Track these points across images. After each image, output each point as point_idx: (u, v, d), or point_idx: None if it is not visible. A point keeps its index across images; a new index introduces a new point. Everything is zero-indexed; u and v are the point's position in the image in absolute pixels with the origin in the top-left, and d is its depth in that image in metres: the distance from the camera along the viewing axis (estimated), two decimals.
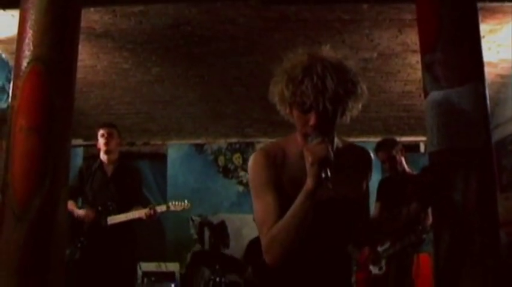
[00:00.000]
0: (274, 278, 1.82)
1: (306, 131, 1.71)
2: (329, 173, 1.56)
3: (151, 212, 4.35)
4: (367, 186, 1.95)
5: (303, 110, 1.70)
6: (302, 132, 1.74)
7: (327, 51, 1.75)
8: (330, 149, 1.61)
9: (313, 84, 1.64)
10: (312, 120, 1.68)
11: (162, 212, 4.63)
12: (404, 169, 4.52)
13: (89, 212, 4.38)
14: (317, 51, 1.74)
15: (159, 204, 4.71)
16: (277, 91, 1.75)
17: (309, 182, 1.59)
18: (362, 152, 1.96)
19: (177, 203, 4.66)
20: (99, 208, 4.41)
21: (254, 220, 1.81)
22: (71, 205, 4.29)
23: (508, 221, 5.37)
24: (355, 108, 1.77)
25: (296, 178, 1.71)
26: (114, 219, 4.36)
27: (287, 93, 1.70)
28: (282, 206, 1.70)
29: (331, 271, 1.81)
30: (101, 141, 4.56)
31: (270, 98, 1.81)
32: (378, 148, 4.62)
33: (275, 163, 1.78)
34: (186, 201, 4.68)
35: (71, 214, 4.24)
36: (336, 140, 1.83)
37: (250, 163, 1.83)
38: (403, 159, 4.54)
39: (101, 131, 4.58)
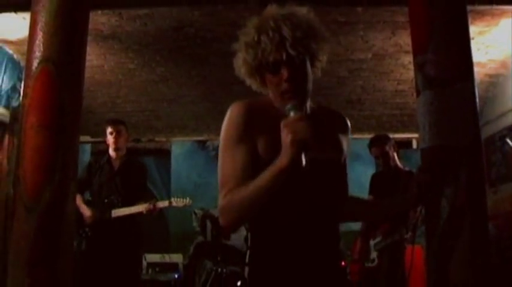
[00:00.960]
0: (263, 245, 1.64)
1: (282, 89, 1.58)
2: (306, 159, 1.36)
3: (151, 207, 4.37)
4: (346, 151, 1.80)
5: (272, 70, 1.58)
6: (279, 93, 1.60)
7: (273, 8, 1.63)
8: (312, 128, 1.37)
9: (270, 38, 1.53)
10: (285, 74, 1.55)
11: (165, 207, 4.64)
12: (396, 164, 4.53)
13: (92, 214, 4.38)
14: (265, 11, 1.63)
15: (163, 198, 4.73)
16: (241, 63, 1.64)
17: (284, 161, 1.39)
18: (340, 115, 1.84)
19: (179, 199, 4.67)
20: (105, 200, 4.42)
21: None
22: (78, 199, 4.30)
23: (496, 215, 5.39)
24: (321, 53, 1.65)
25: (273, 141, 1.50)
26: (118, 212, 4.37)
27: (249, 59, 1.59)
28: (251, 167, 1.54)
29: (320, 237, 1.63)
30: (110, 139, 4.56)
31: (240, 76, 1.71)
32: (372, 143, 4.62)
33: (255, 120, 1.61)
34: (187, 198, 4.69)
35: (76, 208, 4.25)
36: (309, 102, 1.70)
37: (228, 112, 1.65)
38: (395, 154, 4.55)
39: (109, 129, 4.57)
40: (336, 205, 1.71)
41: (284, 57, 1.53)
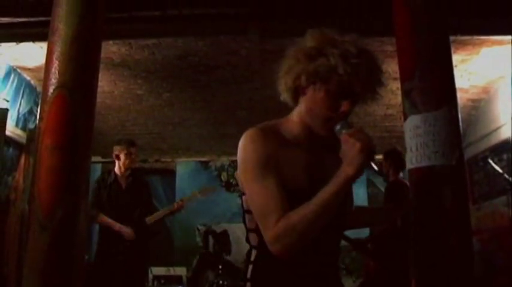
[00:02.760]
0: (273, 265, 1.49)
1: (331, 115, 1.45)
2: (375, 164, 1.35)
3: (180, 202, 4.67)
4: None
5: (340, 94, 1.44)
6: (326, 115, 1.47)
7: (349, 36, 1.50)
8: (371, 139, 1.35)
9: (369, 69, 1.44)
10: (347, 106, 1.44)
11: (190, 199, 4.90)
12: (393, 179, 4.58)
13: (132, 231, 4.34)
14: (351, 36, 1.50)
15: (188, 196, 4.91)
16: (322, 63, 1.44)
17: (350, 170, 1.32)
18: None
19: (205, 189, 4.90)
20: (132, 215, 4.43)
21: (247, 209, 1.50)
22: (105, 218, 4.31)
23: (479, 230, 5.37)
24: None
25: (295, 161, 1.46)
26: (151, 219, 4.48)
27: (341, 71, 1.41)
28: (284, 194, 1.40)
29: (327, 254, 1.55)
30: (128, 158, 4.53)
31: (290, 66, 1.52)
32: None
33: (273, 143, 1.46)
34: (212, 186, 4.84)
35: (110, 226, 4.29)
36: None
37: (245, 140, 1.47)
38: (391, 170, 4.61)
39: (130, 149, 4.56)
40: (344, 223, 1.62)
41: (369, 94, 1.48)
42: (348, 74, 1.41)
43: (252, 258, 1.57)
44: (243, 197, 1.56)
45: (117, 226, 4.30)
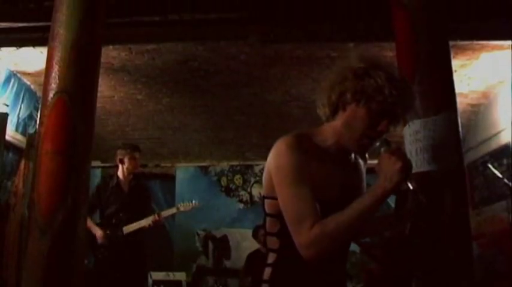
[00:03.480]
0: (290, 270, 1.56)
1: (368, 132, 1.54)
2: (411, 183, 1.43)
3: (157, 217, 4.41)
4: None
5: (380, 114, 1.53)
6: (363, 132, 1.55)
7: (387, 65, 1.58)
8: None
9: (409, 93, 1.55)
10: (385, 125, 1.53)
11: (174, 214, 4.63)
12: None
13: (104, 233, 4.33)
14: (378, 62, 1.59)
15: (167, 220, 4.73)
16: (369, 83, 1.51)
17: (388, 185, 1.40)
18: None
19: (185, 203, 4.69)
20: (113, 220, 4.39)
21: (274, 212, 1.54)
22: (88, 221, 4.27)
23: (479, 235, 5.36)
24: None
25: (327, 172, 1.53)
26: (129, 228, 4.35)
27: (387, 92, 1.49)
28: (316, 203, 1.46)
29: (341, 259, 1.64)
30: (132, 163, 4.55)
31: (336, 82, 1.58)
32: None
33: (308, 152, 1.52)
34: (194, 201, 4.70)
35: (88, 229, 4.21)
36: None
37: (281, 147, 1.52)
38: None
39: (135, 154, 4.57)
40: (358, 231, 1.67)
41: (407, 118, 1.61)
42: (393, 96, 1.49)
43: (271, 261, 1.61)
44: (266, 200, 1.61)
45: (92, 227, 4.30)
